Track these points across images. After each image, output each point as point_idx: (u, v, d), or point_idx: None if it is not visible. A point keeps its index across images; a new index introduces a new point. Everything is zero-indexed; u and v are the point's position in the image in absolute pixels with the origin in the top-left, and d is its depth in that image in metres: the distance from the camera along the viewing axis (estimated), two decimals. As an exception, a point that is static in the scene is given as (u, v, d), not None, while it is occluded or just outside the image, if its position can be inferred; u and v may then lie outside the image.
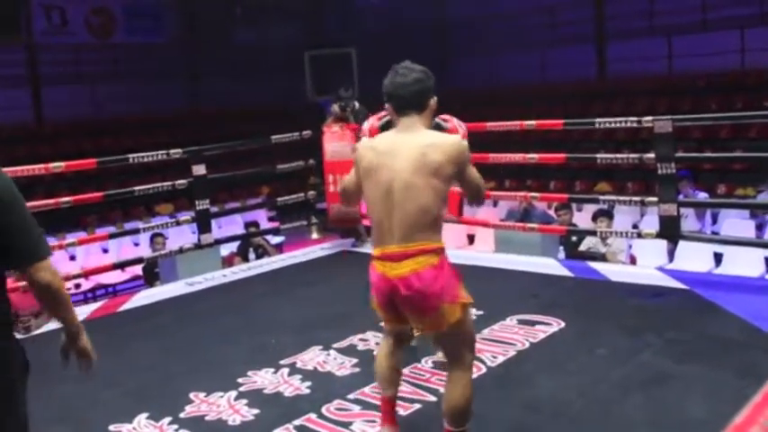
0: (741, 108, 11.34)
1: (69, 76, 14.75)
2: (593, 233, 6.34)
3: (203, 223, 6.16)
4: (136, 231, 7.20)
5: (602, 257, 6.20)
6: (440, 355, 3.54)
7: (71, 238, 7.71)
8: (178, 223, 6.73)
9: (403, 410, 3.10)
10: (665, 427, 2.96)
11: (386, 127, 3.33)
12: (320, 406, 3.30)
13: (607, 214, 6.70)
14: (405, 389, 3.24)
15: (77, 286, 8.92)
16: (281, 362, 3.86)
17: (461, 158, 2.60)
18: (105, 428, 3.24)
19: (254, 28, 17.21)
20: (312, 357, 3.92)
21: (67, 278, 5.59)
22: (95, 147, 13.05)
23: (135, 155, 5.88)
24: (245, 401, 3.43)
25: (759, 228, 7.58)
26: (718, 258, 6.95)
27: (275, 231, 8.60)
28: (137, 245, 10.37)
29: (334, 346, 4.05)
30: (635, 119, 5.25)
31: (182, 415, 3.33)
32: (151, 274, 6.95)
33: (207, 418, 3.31)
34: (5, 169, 2.12)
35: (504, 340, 3.97)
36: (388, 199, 2.56)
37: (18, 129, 13.63)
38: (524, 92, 14.53)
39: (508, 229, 6.30)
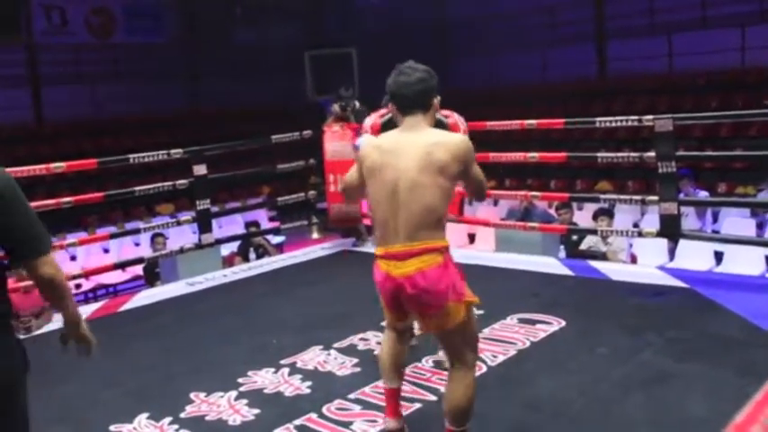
0: (741, 106, 11.32)
1: (69, 76, 14.75)
2: (593, 232, 6.33)
3: (204, 223, 6.17)
4: (136, 231, 7.20)
5: (602, 256, 6.20)
6: (440, 354, 3.54)
7: (72, 238, 7.70)
8: (179, 223, 6.73)
9: (403, 410, 3.09)
10: (666, 426, 2.96)
11: (388, 124, 3.33)
12: (321, 406, 3.30)
13: (608, 213, 6.70)
14: (405, 388, 3.23)
15: (78, 286, 8.91)
16: (282, 362, 3.86)
17: (467, 157, 2.61)
18: (105, 428, 3.24)
19: (254, 28, 17.21)
20: (312, 357, 3.92)
21: (68, 278, 5.58)
22: (95, 147, 13.05)
23: (135, 155, 5.89)
24: (245, 401, 3.43)
25: (759, 226, 7.59)
26: (718, 257, 6.95)
27: (276, 231, 8.60)
28: (137, 245, 10.36)
29: (335, 345, 4.05)
30: (635, 118, 5.25)
31: (182, 415, 3.33)
32: (152, 274, 6.95)
33: (207, 418, 3.31)
34: (6, 169, 2.14)
35: (505, 339, 3.97)
36: (393, 198, 2.56)
37: (18, 129, 13.63)
38: (525, 91, 14.53)
39: (509, 229, 6.29)
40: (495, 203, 10.03)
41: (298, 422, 3.17)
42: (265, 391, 3.54)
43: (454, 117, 3.60)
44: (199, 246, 6.14)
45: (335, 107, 6.44)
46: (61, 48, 14.59)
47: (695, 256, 6.75)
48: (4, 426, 2.06)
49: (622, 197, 6.19)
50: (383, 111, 3.72)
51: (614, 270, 5.32)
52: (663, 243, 6.90)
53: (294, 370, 3.76)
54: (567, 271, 5.37)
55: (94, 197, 6.34)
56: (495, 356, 3.73)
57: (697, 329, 3.97)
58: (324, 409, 3.26)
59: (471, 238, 8.79)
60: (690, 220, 7.58)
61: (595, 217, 6.71)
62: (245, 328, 4.57)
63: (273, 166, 7.21)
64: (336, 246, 6.73)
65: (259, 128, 9.60)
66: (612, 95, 13.55)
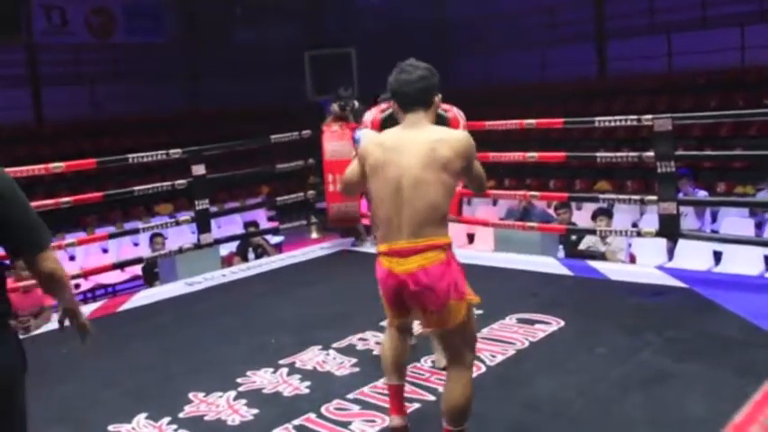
0: (741, 106, 11.32)
1: (69, 77, 14.74)
2: (592, 232, 6.33)
3: (203, 223, 6.16)
4: (135, 231, 7.20)
5: (601, 256, 6.20)
6: (437, 355, 3.54)
7: (71, 238, 7.69)
8: (178, 223, 6.73)
9: (402, 409, 3.10)
10: (665, 426, 2.96)
11: (388, 119, 3.33)
12: (319, 406, 3.30)
13: (607, 213, 6.70)
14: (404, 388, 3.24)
15: (77, 286, 8.91)
16: (281, 362, 3.86)
17: (469, 153, 2.62)
18: (105, 428, 3.24)
19: (254, 28, 17.21)
20: (311, 357, 3.92)
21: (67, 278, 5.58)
22: (95, 147, 13.04)
23: (135, 155, 5.89)
24: (244, 401, 3.43)
25: (758, 226, 7.58)
26: (717, 257, 6.94)
27: (275, 231, 8.60)
28: (136, 245, 10.37)
29: (334, 345, 4.05)
30: (635, 117, 5.25)
31: (181, 415, 3.33)
32: (151, 274, 6.94)
33: (206, 418, 3.31)
34: (6, 169, 2.17)
35: (504, 339, 3.97)
36: (397, 195, 2.56)
37: (18, 129, 13.63)
38: (524, 91, 14.52)
39: (508, 228, 6.29)
40: (494, 203, 10.03)
41: (296, 422, 3.17)
42: (264, 391, 3.54)
43: (453, 111, 3.59)
44: (198, 246, 6.13)
45: (335, 107, 6.43)
46: (61, 48, 14.59)
47: (694, 256, 6.75)
48: (3, 426, 2.07)
49: (621, 197, 6.20)
50: (383, 106, 3.71)
51: (613, 270, 5.32)
52: (662, 243, 6.90)
53: (293, 370, 3.76)
54: (565, 271, 5.37)
55: (93, 197, 6.33)
56: (493, 356, 3.73)
57: (696, 329, 3.97)
58: (322, 409, 3.26)
59: (470, 237, 8.80)
60: (689, 220, 7.57)
61: (594, 217, 6.71)
62: (243, 328, 4.57)
63: (272, 165, 7.21)
64: (335, 246, 6.73)
65: (259, 128, 9.59)
66: (612, 95, 13.54)
